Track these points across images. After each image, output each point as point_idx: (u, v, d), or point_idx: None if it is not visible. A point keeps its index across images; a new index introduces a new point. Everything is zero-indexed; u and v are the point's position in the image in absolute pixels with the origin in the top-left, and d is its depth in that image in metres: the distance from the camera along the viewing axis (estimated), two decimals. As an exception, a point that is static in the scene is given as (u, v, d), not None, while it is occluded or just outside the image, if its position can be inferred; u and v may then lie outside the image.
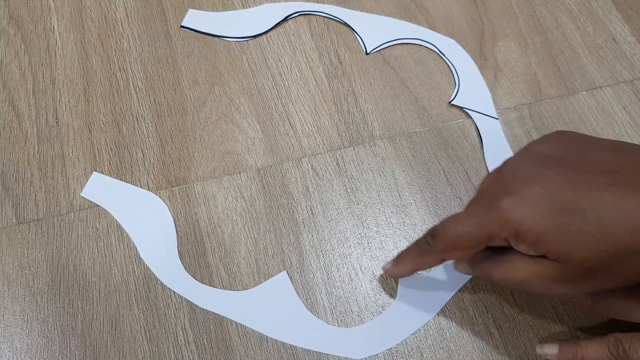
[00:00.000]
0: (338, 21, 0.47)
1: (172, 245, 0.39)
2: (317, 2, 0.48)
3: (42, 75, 0.44)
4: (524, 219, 0.29)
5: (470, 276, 0.38)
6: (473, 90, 0.45)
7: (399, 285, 0.38)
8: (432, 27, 0.47)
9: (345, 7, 0.48)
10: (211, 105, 0.44)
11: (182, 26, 0.47)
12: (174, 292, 0.38)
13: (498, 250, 0.31)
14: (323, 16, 0.47)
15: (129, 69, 0.45)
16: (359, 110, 0.44)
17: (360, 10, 0.48)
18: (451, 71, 0.46)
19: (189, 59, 0.45)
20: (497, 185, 0.31)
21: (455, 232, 0.31)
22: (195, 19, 0.47)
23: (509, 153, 0.42)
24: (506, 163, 0.32)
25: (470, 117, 0.44)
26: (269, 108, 0.44)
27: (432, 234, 0.33)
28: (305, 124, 0.43)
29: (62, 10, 0.47)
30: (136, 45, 0.46)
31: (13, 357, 0.36)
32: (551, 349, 0.35)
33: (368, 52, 0.46)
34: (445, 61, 0.46)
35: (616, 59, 0.46)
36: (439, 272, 0.39)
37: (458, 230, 0.31)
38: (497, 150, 0.43)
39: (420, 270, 0.37)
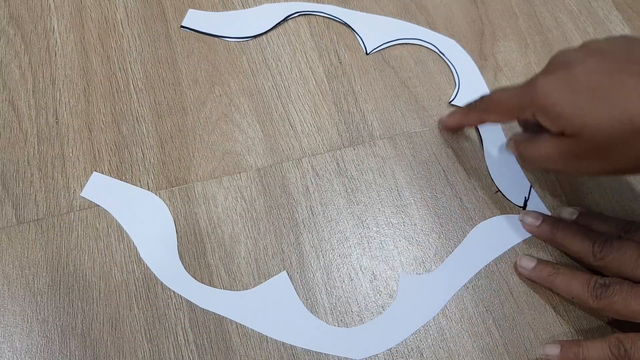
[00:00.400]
0: (338, 21, 0.47)
1: (172, 245, 0.39)
2: (317, 2, 0.48)
3: (42, 75, 0.44)
4: (550, 94, 0.32)
5: (470, 276, 0.38)
6: (473, 91, 0.45)
7: (399, 285, 0.38)
8: (432, 27, 0.47)
9: (345, 7, 0.48)
10: (211, 105, 0.44)
11: (182, 26, 0.47)
12: (174, 292, 0.38)
13: (535, 135, 0.35)
14: (323, 16, 0.47)
15: (129, 69, 0.45)
16: (359, 110, 0.44)
17: (360, 10, 0.48)
18: (451, 71, 0.46)
19: (189, 59, 0.45)
20: (543, 68, 0.34)
21: (496, 97, 0.37)
22: (195, 19, 0.47)
23: (509, 153, 0.42)
24: (557, 52, 0.35)
25: (470, 117, 0.44)
26: (269, 108, 0.44)
27: (481, 97, 0.38)
28: (305, 124, 0.43)
29: (62, 10, 0.47)
30: (136, 45, 0.46)
31: (13, 357, 0.36)
32: (553, 349, 0.35)
33: (368, 52, 0.46)
34: (445, 61, 0.46)
35: (616, 59, 0.46)
36: (439, 271, 0.39)
37: (498, 96, 0.37)
38: (497, 150, 0.43)
39: (464, 125, 0.42)
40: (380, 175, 0.42)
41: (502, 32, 0.47)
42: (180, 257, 0.39)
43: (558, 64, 0.33)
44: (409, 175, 0.42)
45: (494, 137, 0.43)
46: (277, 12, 0.47)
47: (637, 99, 0.29)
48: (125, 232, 0.39)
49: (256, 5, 0.48)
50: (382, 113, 0.44)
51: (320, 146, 0.43)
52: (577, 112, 0.31)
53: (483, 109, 0.38)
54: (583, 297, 0.35)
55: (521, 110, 0.35)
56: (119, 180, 0.41)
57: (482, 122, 0.40)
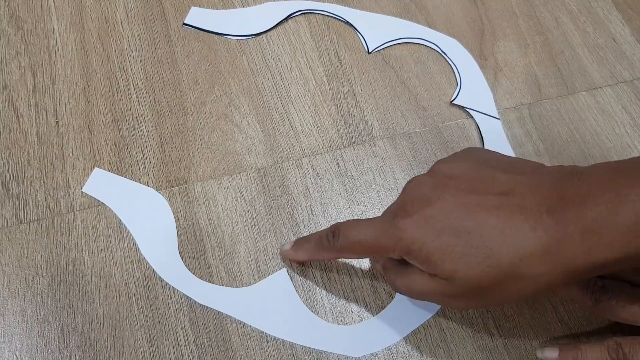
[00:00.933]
0: (341, 20, 0.47)
1: (173, 241, 0.39)
2: (319, 1, 0.48)
3: (42, 75, 0.44)
4: (416, 239, 0.30)
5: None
6: (475, 90, 0.45)
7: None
8: (432, 27, 0.47)
9: (346, 6, 0.48)
10: (211, 105, 0.44)
11: (184, 24, 0.47)
12: (174, 292, 0.38)
13: (406, 263, 0.33)
14: (325, 15, 0.47)
15: (129, 69, 0.45)
16: (359, 110, 0.44)
17: (361, 10, 0.48)
18: (452, 71, 0.46)
19: (189, 59, 0.45)
20: (399, 203, 0.33)
21: (354, 237, 0.33)
22: (197, 16, 0.47)
23: (510, 153, 0.42)
24: (410, 182, 0.34)
25: (470, 117, 0.44)
26: (269, 108, 0.44)
27: (334, 232, 0.34)
28: (305, 124, 0.43)
29: (62, 10, 0.47)
30: (136, 45, 0.46)
31: (13, 357, 0.36)
32: (551, 353, 0.35)
33: (370, 51, 0.46)
34: (446, 61, 0.46)
35: (616, 59, 0.46)
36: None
37: (357, 236, 0.33)
38: (499, 150, 0.42)
39: (315, 260, 0.39)
40: (380, 175, 0.42)
41: (502, 32, 0.47)
42: (180, 257, 0.39)
43: (415, 200, 0.32)
44: (409, 175, 0.42)
45: (495, 137, 0.43)
46: (279, 11, 0.47)
47: (500, 240, 0.29)
48: (126, 232, 0.39)
49: (257, 4, 0.48)
50: (382, 113, 0.44)
51: (320, 146, 0.43)
52: (446, 258, 0.30)
53: (340, 248, 0.34)
54: (582, 299, 0.34)
55: (386, 251, 0.32)
56: (120, 176, 0.41)
57: (338, 258, 0.38)
